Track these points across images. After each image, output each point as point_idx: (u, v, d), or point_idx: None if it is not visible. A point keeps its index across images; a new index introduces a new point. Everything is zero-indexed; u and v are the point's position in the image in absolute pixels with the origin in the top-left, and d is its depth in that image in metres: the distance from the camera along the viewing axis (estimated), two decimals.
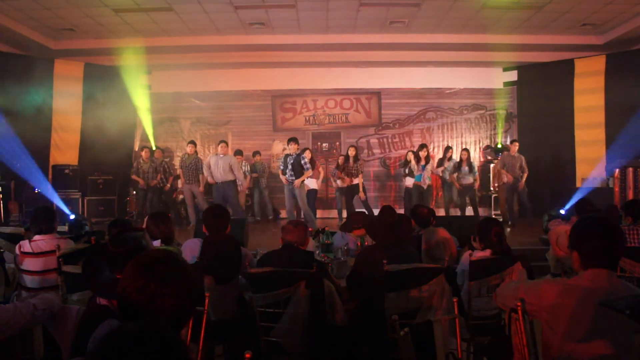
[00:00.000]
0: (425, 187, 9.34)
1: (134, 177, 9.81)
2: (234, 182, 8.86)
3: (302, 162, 8.18)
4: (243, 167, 9.96)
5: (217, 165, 8.71)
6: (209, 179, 8.86)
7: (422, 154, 9.39)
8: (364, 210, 8.75)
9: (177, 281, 1.45)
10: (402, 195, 11.06)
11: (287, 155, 8.40)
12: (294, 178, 8.17)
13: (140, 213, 9.80)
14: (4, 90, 8.97)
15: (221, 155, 8.82)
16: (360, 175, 9.47)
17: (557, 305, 2.03)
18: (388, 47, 10.25)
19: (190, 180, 9.33)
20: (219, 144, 9.07)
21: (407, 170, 9.45)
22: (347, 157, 9.60)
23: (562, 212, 7.16)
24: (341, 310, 3.25)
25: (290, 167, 8.18)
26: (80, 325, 1.99)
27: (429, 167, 9.40)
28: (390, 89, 11.73)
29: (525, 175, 9.29)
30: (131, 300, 1.44)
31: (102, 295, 1.96)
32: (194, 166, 9.33)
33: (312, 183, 9.42)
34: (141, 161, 9.88)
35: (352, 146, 9.78)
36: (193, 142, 9.76)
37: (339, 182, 9.82)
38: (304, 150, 9.16)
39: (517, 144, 9.57)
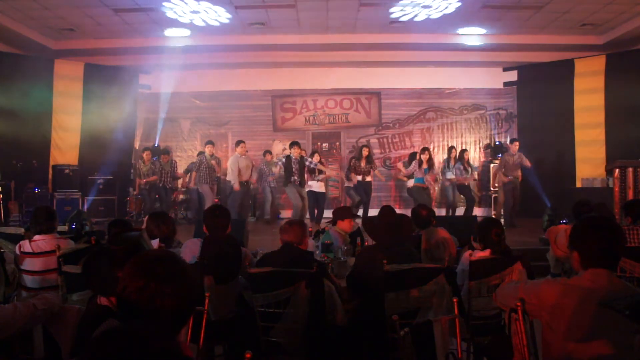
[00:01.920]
0: (425, 188, 9.39)
1: (138, 180, 9.89)
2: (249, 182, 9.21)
3: (307, 162, 8.71)
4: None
5: (246, 166, 9.06)
6: (235, 181, 8.96)
7: (424, 157, 9.37)
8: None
9: (176, 280, 1.46)
10: (401, 195, 11.12)
11: (288, 157, 8.61)
12: (299, 180, 8.67)
13: (139, 214, 9.82)
14: (4, 90, 8.97)
15: (243, 156, 9.12)
16: (371, 172, 9.78)
17: (557, 305, 2.03)
18: (388, 47, 10.25)
19: (209, 181, 9.36)
20: (237, 145, 9.21)
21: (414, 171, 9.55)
22: (359, 156, 9.76)
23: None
24: (341, 310, 3.25)
25: (295, 170, 8.59)
26: (81, 325, 1.99)
27: (432, 170, 9.45)
28: (390, 89, 11.73)
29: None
30: (131, 300, 1.44)
31: (103, 294, 1.96)
32: (214, 166, 9.46)
33: (319, 186, 9.45)
34: (141, 163, 9.90)
35: (365, 146, 9.98)
36: (211, 142, 9.79)
37: (346, 182, 9.99)
38: (313, 153, 9.45)
39: (517, 143, 9.55)
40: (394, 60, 11.06)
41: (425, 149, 9.56)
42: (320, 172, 9.30)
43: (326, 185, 11.29)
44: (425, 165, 9.33)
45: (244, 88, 11.73)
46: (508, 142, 10.51)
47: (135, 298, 1.43)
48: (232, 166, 9.07)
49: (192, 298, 1.50)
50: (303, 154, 9.15)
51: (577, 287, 2.04)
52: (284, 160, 8.84)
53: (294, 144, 8.92)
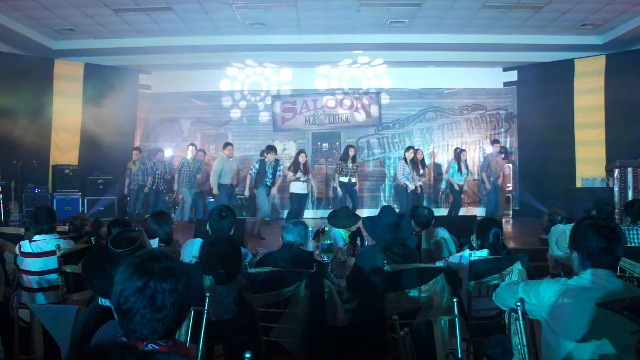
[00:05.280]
0: (413, 187, 9.22)
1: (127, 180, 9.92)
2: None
3: (279, 169, 8.46)
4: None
5: (230, 168, 8.91)
6: (215, 184, 8.76)
7: (408, 155, 9.31)
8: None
9: (174, 276, 1.46)
10: (396, 194, 11.13)
11: (262, 161, 8.39)
12: (271, 184, 8.37)
13: (132, 214, 9.82)
14: (4, 90, 8.96)
15: (231, 159, 8.97)
16: (355, 174, 9.36)
17: (556, 305, 2.03)
18: (388, 47, 10.24)
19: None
20: (225, 147, 9.02)
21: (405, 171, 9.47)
22: (346, 157, 9.34)
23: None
24: (341, 310, 3.25)
25: (270, 174, 8.33)
26: (83, 326, 1.99)
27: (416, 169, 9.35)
28: (390, 89, 11.75)
29: (503, 174, 9.40)
30: (130, 301, 1.44)
31: (103, 295, 1.96)
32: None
33: (301, 187, 9.12)
34: (131, 163, 9.89)
35: (352, 146, 9.55)
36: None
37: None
38: (299, 152, 9.13)
39: (498, 145, 9.53)
40: (394, 60, 11.06)
41: (409, 148, 9.50)
42: (305, 174, 8.96)
43: (325, 185, 11.30)
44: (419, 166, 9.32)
45: (243, 88, 11.75)
46: (508, 142, 10.49)
47: (135, 299, 1.43)
48: (216, 169, 8.83)
49: (191, 293, 1.51)
50: (304, 158, 8.95)
51: (577, 287, 2.04)
52: (257, 165, 8.43)
53: (270, 149, 8.46)
